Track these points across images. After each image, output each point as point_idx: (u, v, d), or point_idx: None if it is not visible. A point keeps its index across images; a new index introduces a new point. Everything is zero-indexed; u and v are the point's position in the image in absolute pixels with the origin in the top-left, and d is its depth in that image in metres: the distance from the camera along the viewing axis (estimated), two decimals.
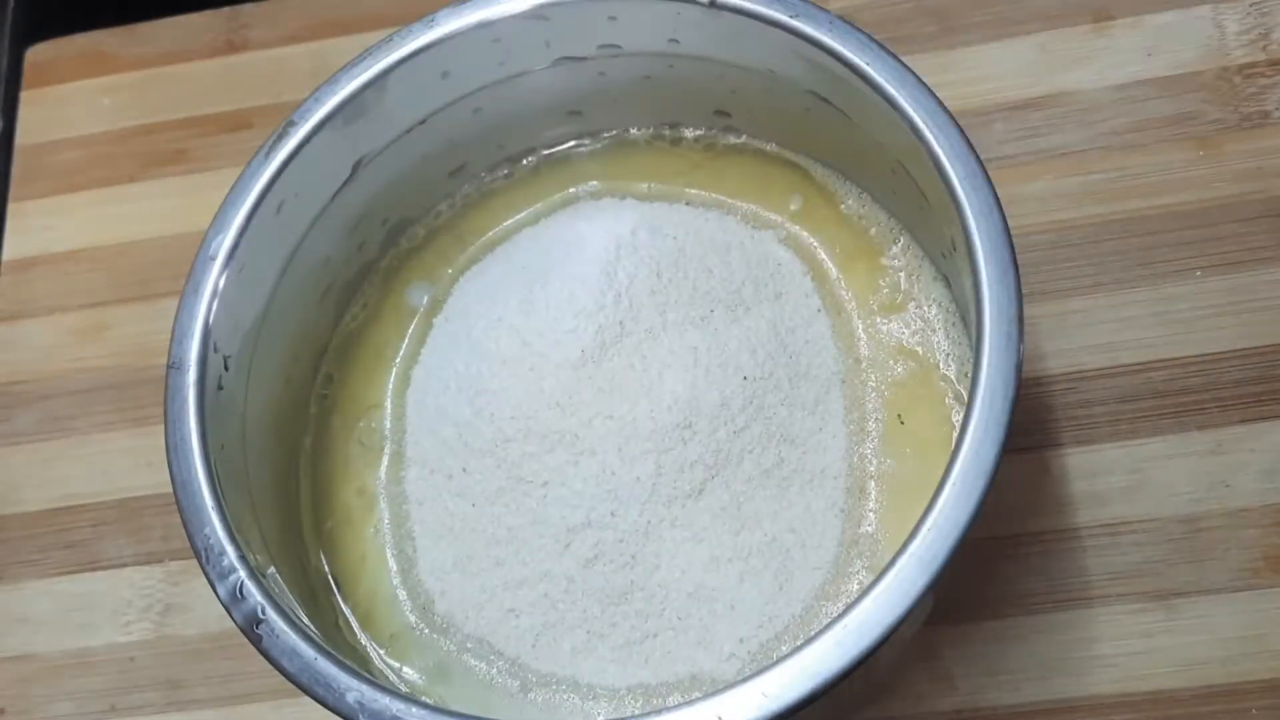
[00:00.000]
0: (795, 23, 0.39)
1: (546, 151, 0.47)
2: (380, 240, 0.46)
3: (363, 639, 0.41)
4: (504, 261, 0.44)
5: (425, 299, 0.46)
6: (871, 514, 0.39)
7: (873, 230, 0.44)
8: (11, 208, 0.57)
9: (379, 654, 0.41)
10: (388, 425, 0.44)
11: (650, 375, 0.39)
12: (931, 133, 0.37)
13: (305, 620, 0.36)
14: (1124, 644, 0.42)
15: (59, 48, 0.60)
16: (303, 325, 0.44)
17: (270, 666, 0.35)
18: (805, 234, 0.44)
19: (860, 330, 0.42)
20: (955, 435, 0.34)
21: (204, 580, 0.36)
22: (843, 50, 0.38)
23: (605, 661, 0.39)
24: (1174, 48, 0.49)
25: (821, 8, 0.39)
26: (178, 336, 0.39)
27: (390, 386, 0.45)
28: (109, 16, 0.60)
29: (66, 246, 0.56)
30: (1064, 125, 0.49)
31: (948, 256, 0.40)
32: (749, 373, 0.39)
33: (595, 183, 0.47)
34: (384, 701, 0.33)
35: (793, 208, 0.45)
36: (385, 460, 0.43)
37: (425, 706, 0.33)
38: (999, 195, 0.36)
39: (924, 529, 0.32)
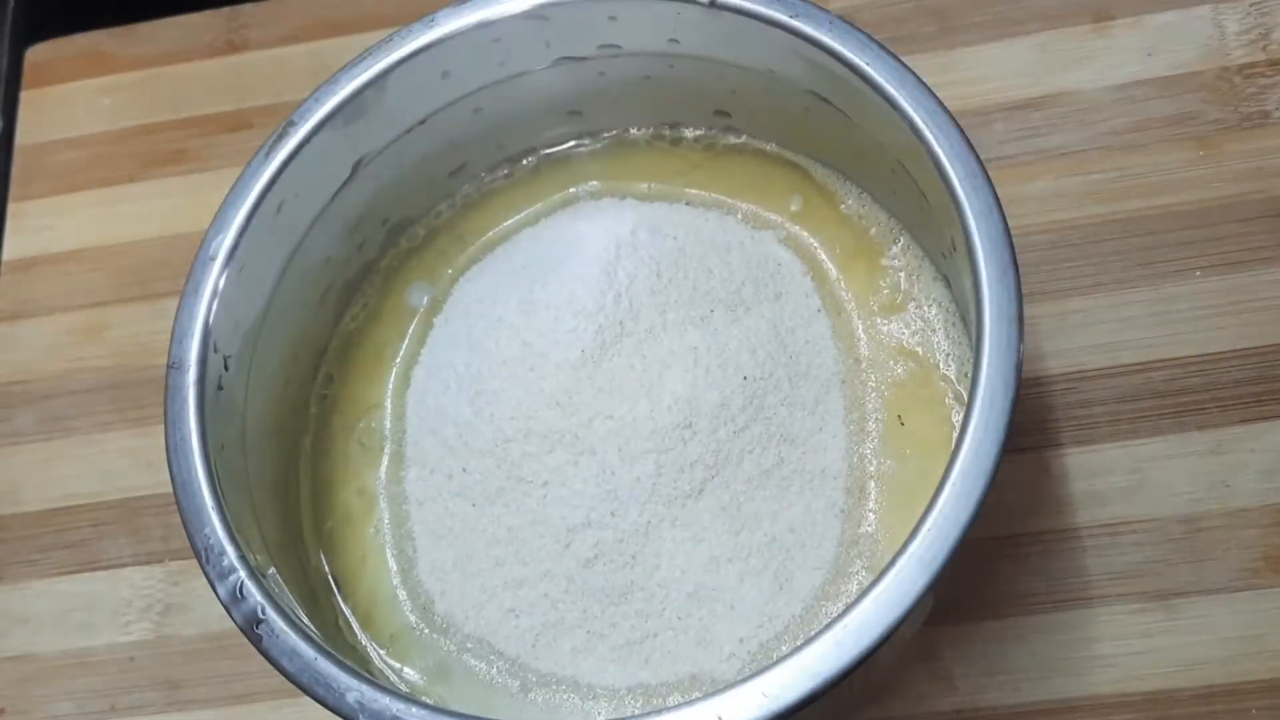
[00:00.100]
0: (795, 23, 0.39)
1: (546, 151, 0.47)
2: (380, 240, 0.46)
3: (363, 639, 0.41)
4: (504, 261, 0.44)
5: (425, 299, 0.46)
6: (871, 514, 0.39)
7: (873, 230, 0.44)
8: (11, 208, 0.57)
9: (379, 654, 0.41)
10: (388, 425, 0.44)
11: (650, 375, 0.39)
12: (931, 133, 0.37)
13: (305, 620, 0.36)
14: (1124, 644, 0.42)
15: (59, 48, 0.60)
16: (303, 325, 0.44)
17: (270, 666, 0.35)
18: (805, 234, 0.44)
19: (860, 330, 0.42)
20: (955, 435, 0.34)
21: (204, 580, 0.36)
22: (843, 50, 0.38)
23: (605, 661, 0.39)
24: (1174, 48, 0.49)
25: (821, 8, 0.39)
26: (178, 336, 0.39)
27: (390, 386, 0.45)
28: (109, 16, 0.60)
29: (66, 246, 0.56)
30: (1064, 125, 0.49)
31: (948, 256, 0.40)
32: (749, 373, 0.39)
33: (595, 183, 0.47)
34: (384, 701, 0.33)
35: (793, 208, 0.45)
36: (385, 460, 0.43)
37: (425, 706, 0.33)
38: (999, 195, 0.36)
39: (924, 529, 0.32)
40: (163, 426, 0.38)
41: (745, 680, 0.32)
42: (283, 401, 0.43)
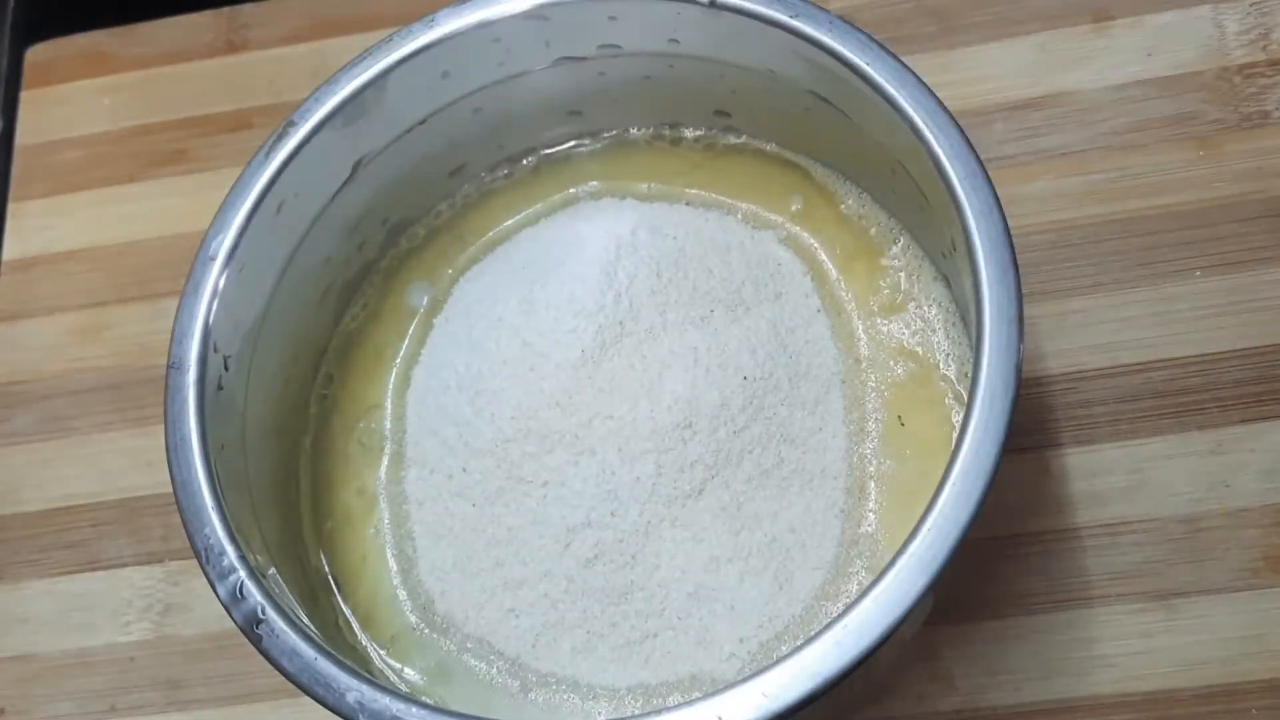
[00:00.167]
0: (795, 23, 0.39)
1: (546, 151, 0.47)
2: (380, 240, 0.46)
3: (363, 639, 0.41)
4: (504, 261, 0.44)
5: (425, 299, 0.46)
6: (871, 514, 0.39)
7: (873, 230, 0.44)
8: (11, 208, 0.57)
9: (379, 654, 0.41)
10: (388, 425, 0.44)
11: (650, 375, 0.39)
12: (931, 133, 0.37)
13: (305, 620, 0.36)
14: (1124, 644, 0.42)
15: (59, 48, 0.60)
16: (303, 325, 0.44)
17: (270, 666, 0.35)
18: (805, 234, 0.44)
19: (860, 330, 0.42)
20: (955, 435, 0.34)
21: (204, 580, 0.36)
22: (843, 50, 0.38)
23: (605, 661, 0.39)
24: (1174, 48, 0.49)
25: (821, 8, 0.39)
26: (178, 336, 0.39)
27: (390, 386, 0.45)
28: (109, 16, 0.60)
29: (66, 246, 0.56)
30: (1064, 125, 0.49)
31: (948, 256, 0.40)
32: (749, 373, 0.39)
33: (595, 183, 0.47)
34: (384, 701, 0.33)
35: (793, 208, 0.45)
36: (385, 460, 0.43)
37: (425, 706, 0.33)
38: (999, 195, 0.36)
39: (924, 529, 0.32)
40: (163, 426, 0.38)
41: (745, 680, 0.32)
42: (283, 401, 0.43)
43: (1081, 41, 0.50)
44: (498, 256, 0.45)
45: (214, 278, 0.39)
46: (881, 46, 0.38)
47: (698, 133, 0.46)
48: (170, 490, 0.37)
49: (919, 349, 0.41)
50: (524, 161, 0.47)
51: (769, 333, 0.40)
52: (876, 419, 0.41)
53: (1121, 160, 0.48)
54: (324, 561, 0.43)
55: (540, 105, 0.45)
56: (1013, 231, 0.35)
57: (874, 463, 0.40)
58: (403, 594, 0.42)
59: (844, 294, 0.43)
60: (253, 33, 0.58)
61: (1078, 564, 0.43)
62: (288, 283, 0.42)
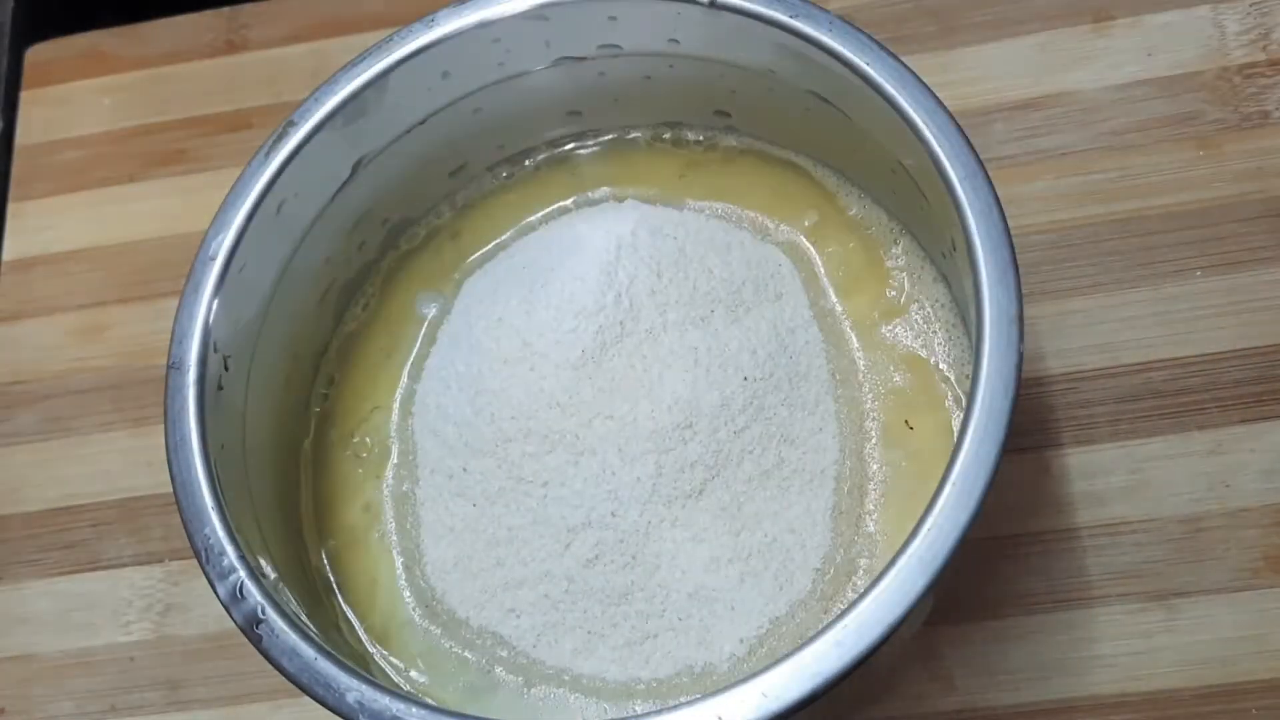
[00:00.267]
0: (795, 23, 0.39)
1: (546, 152, 0.47)
2: (380, 241, 0.46)
3: (363, 639, 0.41)
4: (504, 261, 0.44)
5: (425, 299, 0.46)
6: (871, 514, 0.39)
7: (873, 230, 0.44)
8: (11, 208, 0.57)
9: (379, 654, 0.41)
10: (388, 426, 0.44)
11: (650, 375, 0.39)
12: (931, 133, 0.37)
13: (305, 620, 0.36)
14: (1124, 644, 0.42)
15: (59, 48, 0.60)
16: (303, 325, 0.44)
17: (270, 666, 0.35)
18: (805, 235, 0.44)
19: (861, 331, 0.42)
20: (955, 436, 0.34)
21: (204, 580, 0.36)
22: (843, 50, 0.38)
23: (606, 661, 0.39)
24: (1174, 48, 0.49)
25: (821, 8, 0.39)
26: (178, 336, 0.39)
27: (390, 387, 0.45)
28: (109, 16, 0.60)
29: (66, 246, 0.56)
30: (1064, 125, 0.49)
31: (948, 256, 0.40)
32: (749, 373, 0.39)
33: (595, 183, 0.47)
34: (384, 701, 0.33)
35: (793, 208, 0.45)
36: (385, 461, 0.43)
37: (425, 706, 0.33)
38: (999, 195, 0.36)
39: (924, 529, 0.32)
40: (163, 426, 0.38)
41: (745, 680, 0.32)
42: (283, 402, 0.43)
43: (1081, 41, 0.50)
44: (498, 257, 0.45)
45: (214, 278, 0.39)
46: (881, 46, 0.38)
47: (698, 133, 0.46)
48: (170, 490, 0.37)
49: (920, 350, 0.41)
50: (524, 162, 0.47)
51: (769, 333, 0.40)
52: (877, 419, 0.41)
53: (1121, 160, 0.48)
54: (324, 561, 0.43)
55: (540, 105, 0.45)
56: (1013, 231, 0.35)
57: (874, 463, 0.40)
58: (403, 594, 0.42)
59: (844, 295, 0.43)
60: (253, 33, 0.58)
61: (1078, 564, 0.43)
62: (288, 283, 0.42)
